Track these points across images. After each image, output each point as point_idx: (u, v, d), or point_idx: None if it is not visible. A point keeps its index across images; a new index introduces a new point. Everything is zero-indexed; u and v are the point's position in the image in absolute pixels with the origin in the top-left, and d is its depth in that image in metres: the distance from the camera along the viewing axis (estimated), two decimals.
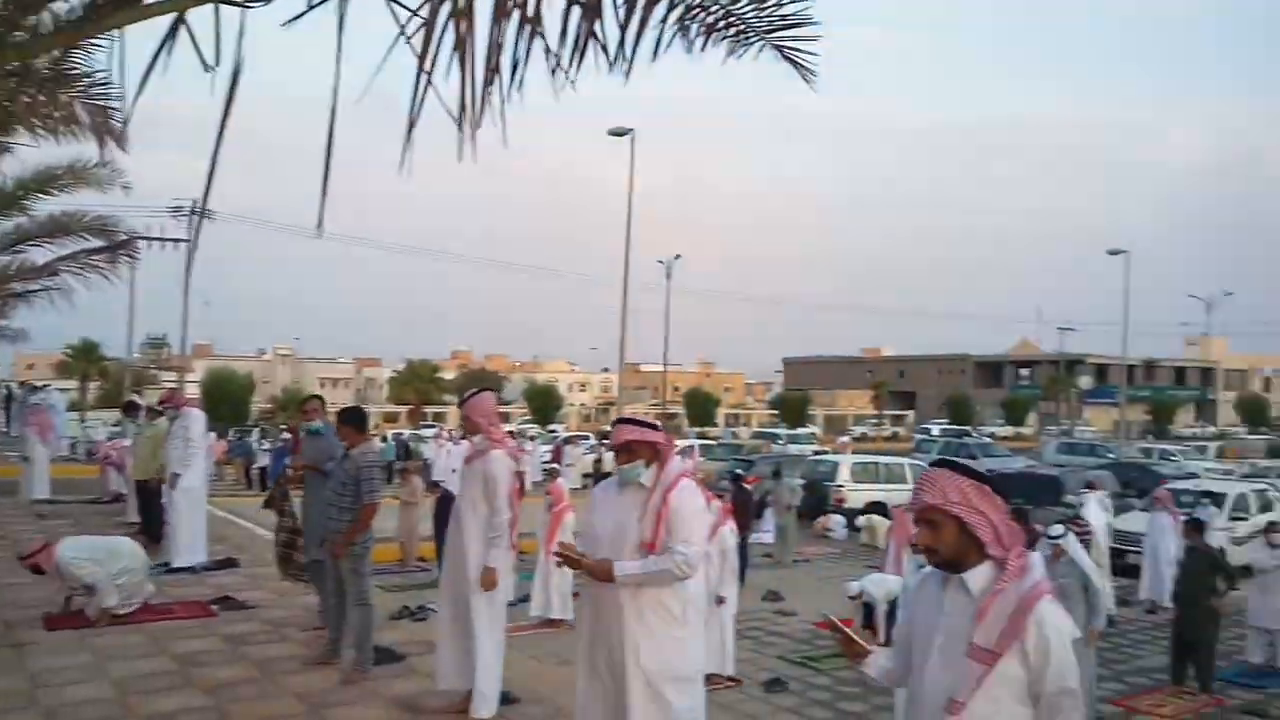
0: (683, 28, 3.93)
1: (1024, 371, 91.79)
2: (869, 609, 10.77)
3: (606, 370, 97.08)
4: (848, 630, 2.89)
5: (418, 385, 56.20)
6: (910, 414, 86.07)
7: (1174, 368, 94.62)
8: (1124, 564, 15.30)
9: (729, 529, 9.26)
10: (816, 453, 37.48)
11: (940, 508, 2.62)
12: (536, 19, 3.16)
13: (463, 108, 2.61)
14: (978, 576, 2.61)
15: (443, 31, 2.55)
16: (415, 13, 2.51)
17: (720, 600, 8.87)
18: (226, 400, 47.80)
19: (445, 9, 2.54)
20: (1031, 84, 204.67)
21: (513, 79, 2.92)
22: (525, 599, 11.17)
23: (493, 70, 2.99)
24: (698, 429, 61.62)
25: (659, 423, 4.39)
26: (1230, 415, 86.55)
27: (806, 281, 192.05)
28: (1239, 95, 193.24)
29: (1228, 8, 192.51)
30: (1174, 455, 36.01)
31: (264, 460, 25.43)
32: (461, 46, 2.44)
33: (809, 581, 14.67)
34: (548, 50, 3.28)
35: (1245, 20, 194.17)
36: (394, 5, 2.31)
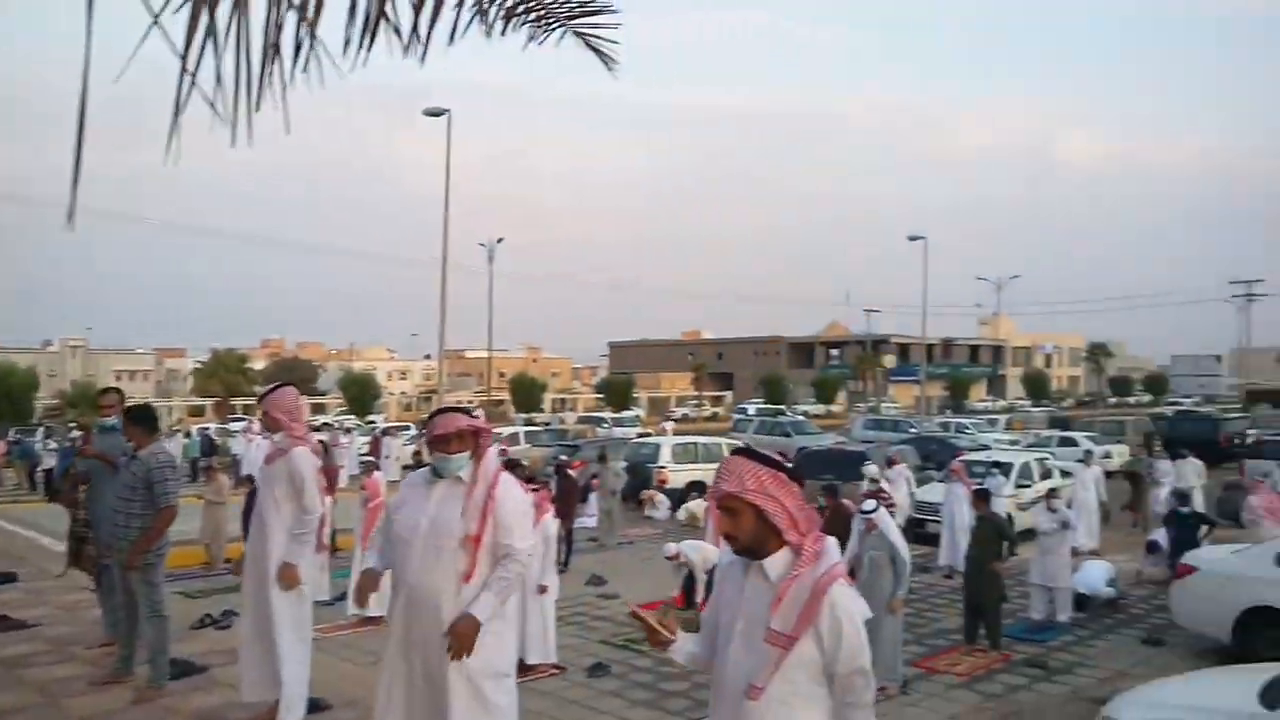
0: (481, 11, 3.82)
1: (834, 352, 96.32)
2: (690, 579, 11.08)
3: (428, 357, 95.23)
4: (649, 619, 2.91)
5: (224, 376, 53.20)
6: (729, 394, 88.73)
7: (969, 346, 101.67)
8: (924, 533, 16.33)
9: (550, 517, 9.27)
10: (640, 435, 38.11)
11: (738, 495, 2.67)
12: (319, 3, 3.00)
13: (237, 94, 2.43)
14: (776, 563, 2.68)
15: (209, 23, 2.36)
16: None
17: (542, 589, 8.87)
18: (5, 396, 43.72)
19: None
20: (848, 76, 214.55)
21: (295, 61, 2.74)
22: (341, 598, 10.83)
23: (273, 47, 2.81)
24: (524, 415, 61.31)
25: (479, 413, 4.32)
26: (1018, 389, 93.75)
27: (631, 266, 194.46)
28: (1030, 92, 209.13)
29: (1027, 10, 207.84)
30: (969, 428, 38.69)
31: (49, 462, 23.47)
32: (227, 32, 2.26)
33: (632, 563, 14.88)
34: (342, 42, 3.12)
35: (1042, 20, 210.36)
36: None
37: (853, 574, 8.76)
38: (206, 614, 8.76)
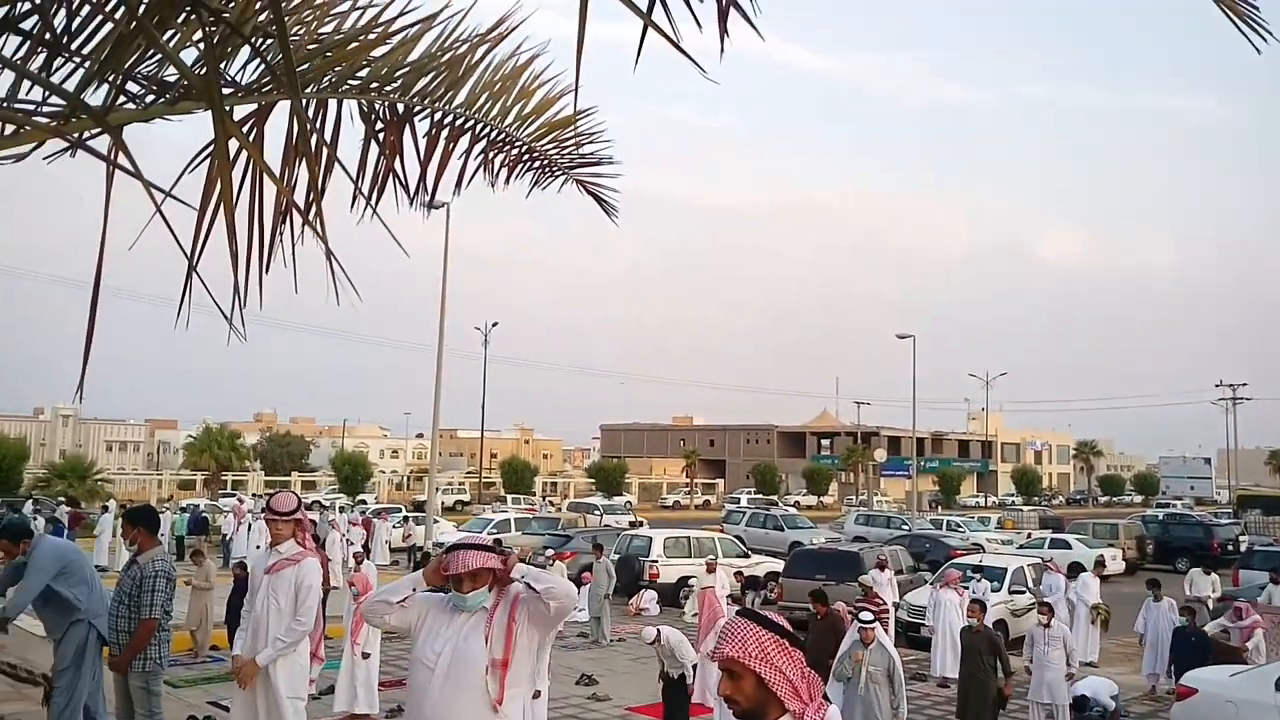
0: (486, 162, 4.00)
1: (825, 442, 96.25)
2: (673, 689, 10.84)
3: (420, 436, 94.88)
4: None
5: (216, 451, 52.82)
6: (720, 482, 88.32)
7: (958, 441, 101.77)
8: (916, 638, 16.14)
9: None
10: (632, 524, 37.84)
11: (740, 660, 2.67)
12: (332, 160, 3.17)
13: (235, 283, 2.57)
14: None
15: (210, 222, 2.51)
16: (172, 195, 2.42)
17: (536, 695, 8.74)
18: None
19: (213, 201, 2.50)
20: (838, 172, 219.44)
21: (305, 219, 2.89)
22: (329, 691, 10.65)
23: (284, 213, 2.96)
24: (514, 497, 60.88)
25: (494, 545, 4.31)
26: (1008, 485, 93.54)
27: (623, 352, 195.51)
28: (1015, 190, 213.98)
29: (998, 108, 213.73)
30: (960, 526, 38.51)
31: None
32: (231, 233, 2.40)
33: (623, 662, 14.66)
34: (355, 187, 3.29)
35: (1016, 115, 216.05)
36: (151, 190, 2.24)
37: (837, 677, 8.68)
38: (191, 716, 8.62)
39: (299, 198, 3.11)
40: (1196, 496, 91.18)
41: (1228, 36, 3.04)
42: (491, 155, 4.06)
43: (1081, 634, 15.13)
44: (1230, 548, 30.75)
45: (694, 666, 10.41)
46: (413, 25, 3.47)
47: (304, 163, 2.95)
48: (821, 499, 78.06)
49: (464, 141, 3.96)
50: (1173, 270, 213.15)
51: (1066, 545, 30.12)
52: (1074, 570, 16.65)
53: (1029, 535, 35.26)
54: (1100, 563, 20.85)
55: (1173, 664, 12.55)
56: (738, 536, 29.46)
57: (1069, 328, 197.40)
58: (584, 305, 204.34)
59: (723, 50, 2.71)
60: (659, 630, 10.74)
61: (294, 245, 3.01)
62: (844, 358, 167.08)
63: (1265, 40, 3.08)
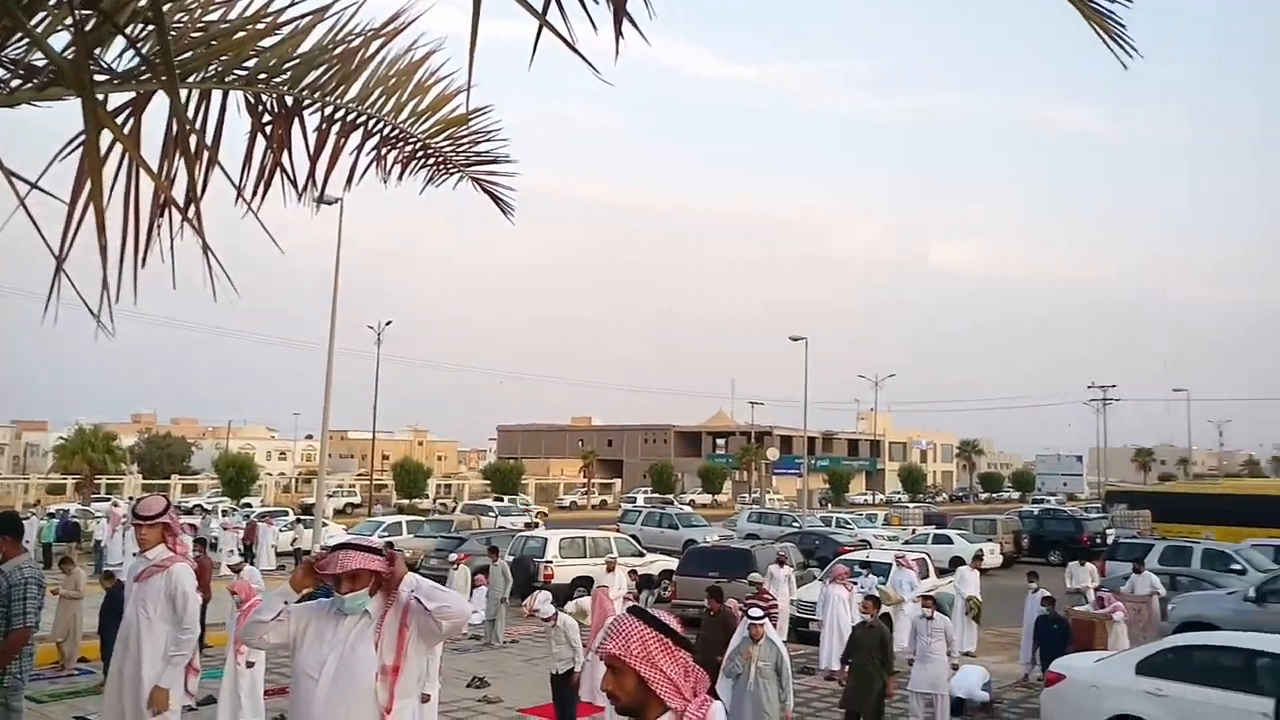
0: (378, 158, 3.94)
1: (720, 441, 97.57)
2: (560, 686, 10.87)
3: (310, 438, 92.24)
4: None
5: (90, 454, 50.20)
6: (618, 482, 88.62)
7: (848, 440, 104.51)
8: (806, 632, 16.52)
9: None
10: (528, 525, 37.62)
11: (621, 658, 2.70)
12: (215, 153, 3.09)
13: (105, 277, 2.48)
14: None
15: (82, 216, 2.42)
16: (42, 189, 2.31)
17: (425, 699, 8.64)
18: None
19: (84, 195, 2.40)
20: (735, 178, 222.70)
21: (185, 214, 2.80)
22: (210, 700, 10.30)
23: (162, 206, 2.87)
24: (407, 500, 59.77)
25: (382, 547, 4.20)
26: (895, 483, 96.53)
27: (522, 351, 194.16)
28: (909, 200, 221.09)
29: (893, 118, 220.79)
30: (849, 523, 39.56)
31: None
32: (101, 228, 2.30)
33: (516, 664, 14.59)
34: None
35: (926, 129, 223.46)
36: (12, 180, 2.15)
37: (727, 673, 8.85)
38: None
39: (181, 190, 3.00)
40: (1069, 493, 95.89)
41: (1103, 55, 3.22)
42: (385, 151, 3.99)
43: (959, 625, 15.73)
44: (1099, 540, 32.38)
45: (583, 663, 10.50)
46: (303, 16, 3.38)
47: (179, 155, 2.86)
48: (716, 497, 79.08)
49: (356, 137, 3.88)
50: (1051, 278, 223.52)
51: (948, 540, 31.33)
52: (954, 564, 17.31)
53: (914, 531, 36.46)
54: (979, 556, 21.62)
55: (1039, 651, 13.19)
56: (633, 536, 29.61)
57: (955, 332, 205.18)
58: (482, 304, 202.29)
59: (618, 52, 2.74)
60: (557, 611, 10.78)
61: (173, 240, 2.91)
62: (740, 359, 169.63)
63: (1130, 57, 3.29)
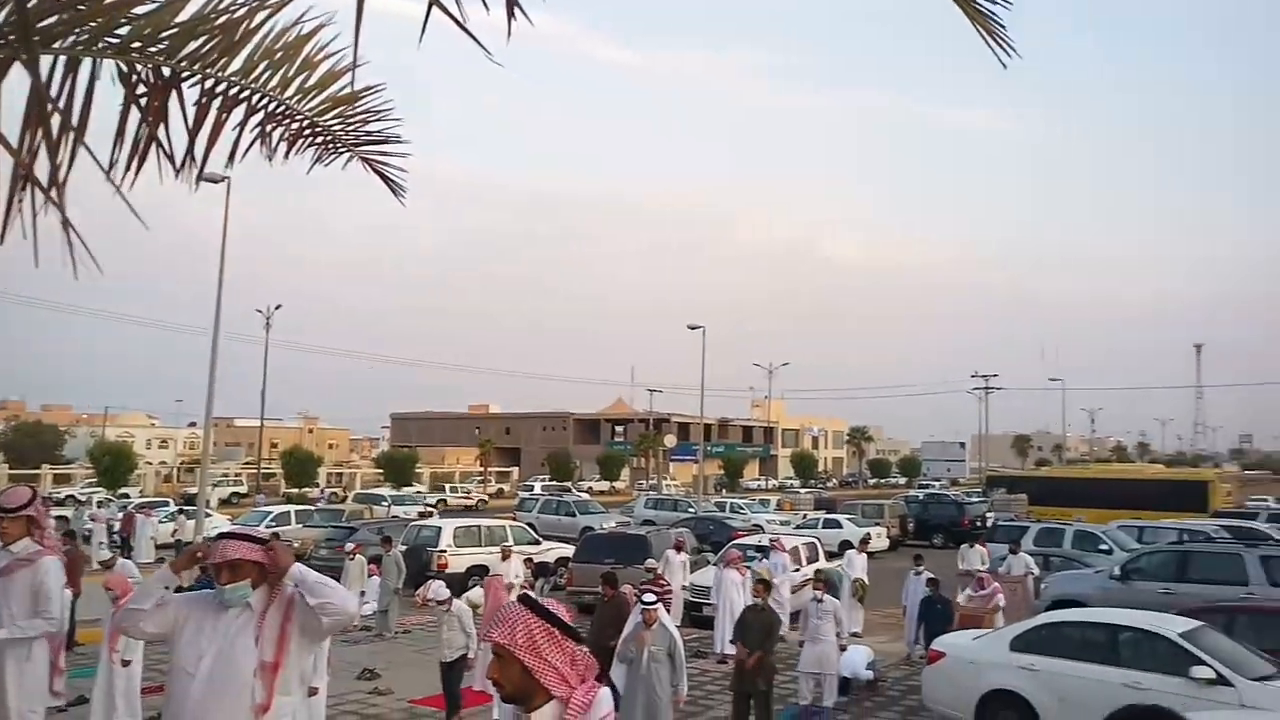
0: (263, 135, 3.81)
1: (619, 429, 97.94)
2: (458, 666, 10.90)
3: (193, 425, 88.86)
4: None
5: None
6: (515, 470, 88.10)
7: (743, 427, 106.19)
8: (700, 616, 16.75)
9: None
10: (421, 514, 37.10)
11: (506, 647, 2.70)
12: (82, 126, 2.94)
13: None
14: (544, 716, 2.71)
15: None
16: None
17: (313, 692, 8.43)
18: None
19: None
20: (639, 167, 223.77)
21: (46, 192, 2.65)
22: (82, 700, 9.84)
23: (24, 181, 2.72)
24: (296, 489, 58.12)
25: (268, 536, 4.04)
26: (788, 469, 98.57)
27: (415, 338, 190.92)
28: (804, 193, 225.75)
29: (800, 110, 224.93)
30: (743, 508, 40.22)
31: None
32: None
33: (408, 655, 14.38)
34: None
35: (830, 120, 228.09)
36: None
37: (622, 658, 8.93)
38: None
39: (46, 162, 2.84)
40: (953, 478, 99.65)
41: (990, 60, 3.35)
42: (270, 128, 3.84)
43: (846, 607, 16.18)
44: (979, 524, 33.73)
45: (474, 651, 10.52)
46: None
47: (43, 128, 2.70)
48: (614, 484, 79.30)
49: (239, 113, 3.73)
50: (939, 270, 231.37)
51: (838, 525, 32.20)
52: (843, 548, 17.79)
53: (805, 516, 37.31)
54: (866, 540, 22.31)
55: (923, 630, 13.69)
56: (530, 523, 29.50)
57: (847, 321, 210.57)
58: (378, 289, 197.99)
59: (510, 33, 2.70)
60: (451, 596, 10.75)
61: (34, 216, 2.74)
62: (639, 347, 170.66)
63: (1010, 56, 3.41)
